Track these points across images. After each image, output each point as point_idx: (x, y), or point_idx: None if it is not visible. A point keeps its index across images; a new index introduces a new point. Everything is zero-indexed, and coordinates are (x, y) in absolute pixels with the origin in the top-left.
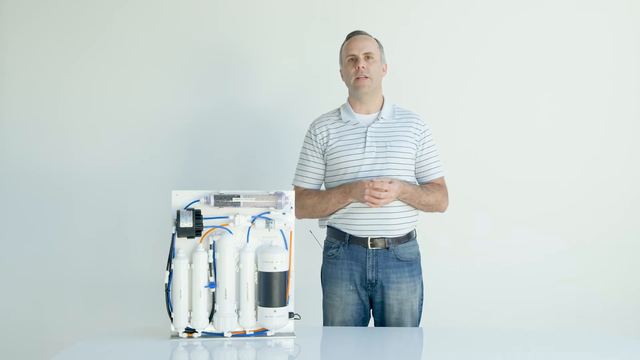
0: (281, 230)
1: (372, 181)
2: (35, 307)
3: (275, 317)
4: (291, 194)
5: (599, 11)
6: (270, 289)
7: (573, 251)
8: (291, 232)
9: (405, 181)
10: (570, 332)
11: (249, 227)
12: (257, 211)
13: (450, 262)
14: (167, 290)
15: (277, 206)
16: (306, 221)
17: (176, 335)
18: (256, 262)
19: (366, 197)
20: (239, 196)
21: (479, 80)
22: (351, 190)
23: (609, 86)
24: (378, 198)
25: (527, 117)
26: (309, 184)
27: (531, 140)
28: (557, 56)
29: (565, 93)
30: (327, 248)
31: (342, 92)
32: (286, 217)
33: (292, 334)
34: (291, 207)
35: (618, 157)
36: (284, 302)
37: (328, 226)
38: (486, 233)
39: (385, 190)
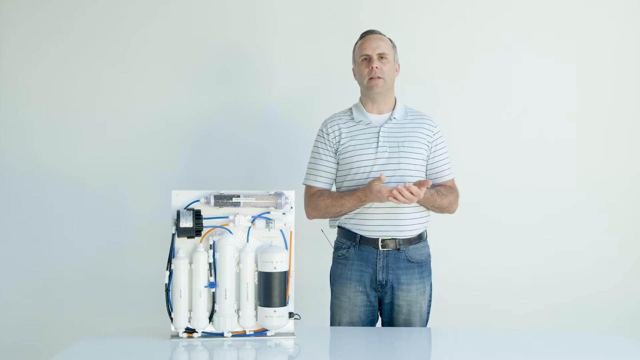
0: (281, 230)
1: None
2: (35, 307)
3: (275, 317)
4: (291, 194)
5: (601, 12)
6: (270, 289)
7: (574, 252)
8: (291, 232)
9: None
10: (570, 332)
11: (249, 227)
12: (257, 211)
13: (454, 263)
14: (167, 290)
15: (277, 206)
16: (315, 221)
17: (176, 335)
18: (256, 262)
19: (393, 193)
20: (238, 196)
21: (479, 83)
22: (367, 198)
23: (609, 89)
24: (403, 196)
25: (527, 119)
26: (321, 182)
27: (532, 143)
28: (558, 59)
29: (567, 96)
30: (337, 248)
31: (353, 91)
32: (286, 217)
33: (292, 334)
34: (291, 207)
35: (618, 158)
36: (284, 302)
37: (339, 227)
38: (489, 235)
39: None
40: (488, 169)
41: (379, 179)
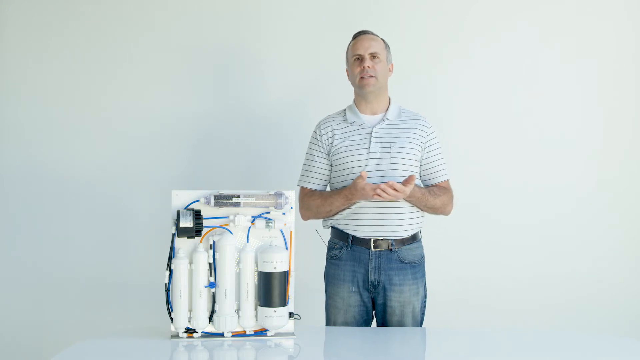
0: (281, 230)
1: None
2: (35, 307)
3: (275, 317)
4: (291, 194)
5: (601, 12)
6: (270, 289)
7: (573, 252)
8: (291, 232)
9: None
10: (569, 332)
11: (249, 227)
12: (257, 211)
13: (450, 263)
14: (167, 290)
15: (277, 206)
16: (311, 221)
17: (176, 335)
18: (256, 262)
19: (377, 191)
20: (239, 196)
21: (478, 83)
22: (353, 196)
23: (609, 89)
24: (387, 194)
25: (527, 118)
26: (314, 184)
27: (531, 143)
28: (558, 59)
29: (567, 96)
30: (330, 249)
31: (348, 93)
32: (286, 217)
33: (292, 334)
34: (291, 207)
35: (618, 157)
36: (284, 302)
37: (332, 227)
38: (486, 234)
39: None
40: (487, 168)
41: (361, 176)
